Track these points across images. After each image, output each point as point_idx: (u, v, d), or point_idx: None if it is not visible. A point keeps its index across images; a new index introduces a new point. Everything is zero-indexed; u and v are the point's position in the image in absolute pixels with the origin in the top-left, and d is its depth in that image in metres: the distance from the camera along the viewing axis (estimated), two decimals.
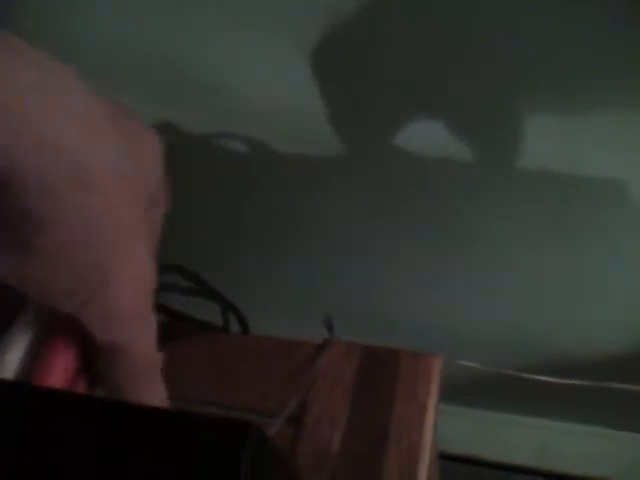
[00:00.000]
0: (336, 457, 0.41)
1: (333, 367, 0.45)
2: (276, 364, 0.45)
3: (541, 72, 0.63)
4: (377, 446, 0.41)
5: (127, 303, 0.26)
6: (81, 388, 0.29)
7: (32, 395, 0.25)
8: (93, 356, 0.28)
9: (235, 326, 0.55)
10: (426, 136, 0.70)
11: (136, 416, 0.23)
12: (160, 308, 0.48)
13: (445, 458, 1.11)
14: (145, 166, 0.26)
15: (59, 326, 0.29)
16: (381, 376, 0.44)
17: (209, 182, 0.82)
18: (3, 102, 0.21)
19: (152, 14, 0.66)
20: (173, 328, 0.48)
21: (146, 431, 0.22)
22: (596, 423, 1.12)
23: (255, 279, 0.91)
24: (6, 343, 0.29)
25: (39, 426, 0.23)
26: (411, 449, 0.41)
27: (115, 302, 0.26)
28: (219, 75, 0.70)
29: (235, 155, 0.77)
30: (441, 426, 1.11)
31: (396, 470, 0.40)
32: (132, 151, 0.26)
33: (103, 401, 0.24)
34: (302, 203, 0.81)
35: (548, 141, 0.69)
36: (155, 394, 0.30)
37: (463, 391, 1.09)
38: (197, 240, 0.86)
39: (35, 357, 0.29)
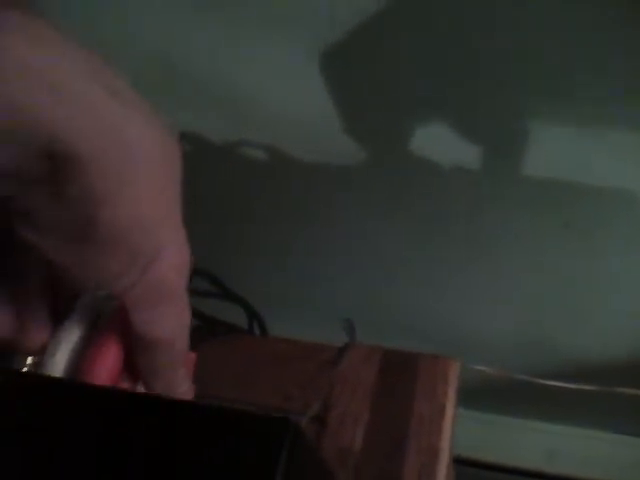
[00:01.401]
0: (358, 455, 0.43)
1: (354, 369, 0.47)
2: (299, 366, 0.47)
3: (548, 77, 0.65)
4: (398, 445, 0.43)
5: (170, 284, 0.28)
6: (125, 386, 0.31)
7: (78, 391, 0.26)
8: (133, 348, 0.30)
9: (254, 328, 0.57)
10: (438, 143, 0.72)
11: (177, 411, 0.24)
12: (194, 313, 0.50)
13: (454, 461, 1.12)
14: (173, 143, 0.28)
15: (105, 325, 0.30)
16: (401, 378, 0.46)
17: (228, 189, 0.84)
18: (62, 82, 0.23)
19: (166, 21, 0.68)
20: (200, 330, 0.50)
21: (186, 425, 0.24)
22: (604, 428, 1.12)
23: (272, 282, 0.92)
24: (56, 342, 0.30)
25: (85, 421, 0.24)
26: (430, 448, 0.42)
27: (160, 283, 0.28)
28: (233, 82, 0.72)
29: (249, 162, 0.79)
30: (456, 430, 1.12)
31: (416, 468, 0.42)
32: (164, 128, 0.27)
33: (145, 397, 0.25)
34: (319, 207, 0.83)
35: (553, 148, 0.70)
36: (185, 382, 0.31)
37: (472, 395, 1.10)
38: (212, 244, 0.88)
39: (82, 356, 0.30)
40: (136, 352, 0.30)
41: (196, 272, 0.54)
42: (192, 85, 0.72)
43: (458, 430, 1.13)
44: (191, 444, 0.23)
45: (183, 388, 0.31)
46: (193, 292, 0.51)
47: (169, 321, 0.29)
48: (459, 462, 1.13)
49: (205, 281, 0.53)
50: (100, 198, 0.24)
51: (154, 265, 0.27)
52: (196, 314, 0.49)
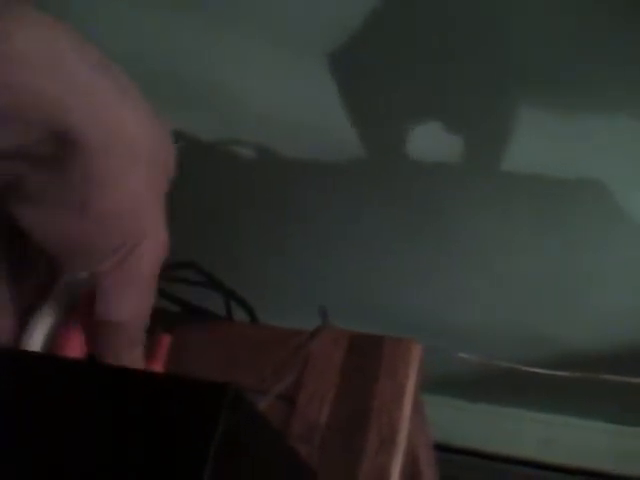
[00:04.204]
0: (324, 430, 0.46)
1: (324, 351, 0.50)
2: (273, 350, 0.51)
3: (535, 72, 0.67)
4: (361, 420, 0.46)
5: (145, 270, 0.30)
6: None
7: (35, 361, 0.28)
8: (94, 327, 0.32)
9: (244, 317, 0.60)
10: (423, 140, 0.74)
11: (125, 378, 0.26)
12: (173, 299, 0.54)
13: (449, 450, 1.14)
14: (168, 139, 0.30)
15: (76, 310, 0.34)
16: (366, 359, 0.49)
17: (218, 185, 0.86)
18: (73, 69, 0.25)
19: (154, 22, 0.70)
20: (183, 317, 0.54)
21: (133, 391, 0.26)
22: (597, 417, 1.14)
23: (262, 275, 0.95)
24: (31, 327, 0.33)
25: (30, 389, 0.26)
26: (391, 422, 0.46)
27: (137, 267, 0.30)
28: (222, 82, 0.74)
29: (241, 159, 0.82)
30: (446, 419, 1.15)
31: (377, 440, 0.45)
32: (160, 123, 0.29)
33: (96, 365, 0.28)
34: (305, 204, 0.86)
35: (538, 144, 0.73)
36: (141, 363, 0.34)
37: (468, 385, 1.13)
38: (206, 238, 0.91)
39: (55, 339, 0.33)
40: (96, 331, 0.32)
41: (183, 263, 0.58)
42: (182, 85, 0.75)
43: (452, 420, 1.15)
44: (137, 408, 0.25)
45: (137, 366, 0.33)
46: (177, 280, 0.54)
47: (134, 303, 0.31)
48: (452, 451, 1.16)
49: (190, 271, 0.56)
50: (98, 183, 0.27)
51: (135, 251, 0.29)
52: (177, 301, 0.53)
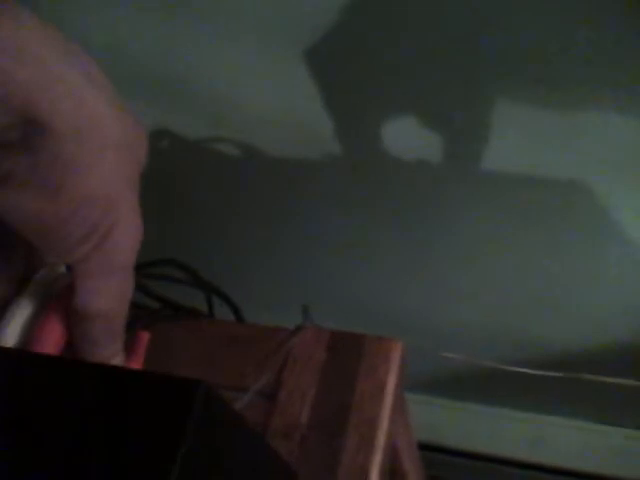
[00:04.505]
0: (304, 427, 0.46)
1: (304, 349, 0.50)
2: (254, 347, 0.51)
3: (522, 68, 0.67)
4: (341, 417, 0.46)
5: (120, 257, 0.30)
6: (73, 355, 0.34)
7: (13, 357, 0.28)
8: (73, 318, 0.32)
9: (230, 317, 0.60)
10: (405, 140, 0.75)
11: (99, 375, 0.26)
12: (154, 296, 0.54)
13: (438, 450, 1.14)
14: (138, 125, 0.30)
15: (53, 302, 0.34)
16: (346, 357, 0.49)
17: (204, 183, 0.87)
18: (39, 54, 0.26)
19: (142, 22, 0.71)
20: (163, 314, 0.54)
21: (107, 388, 0.26)
22: (587, 417, 1.14)
23: (245, 272, 0.95)
24: (8, 317, 0.34)
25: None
26: (371, 420, 0.46)
27: (112, 255, 0.30)
28: (210, 81, 0.75)
29: (229, 158, 0.82)
30: (436, 419, 1.15)
31: (356, 437, 0.45)
32: (128, 111, 0.30)
33: (71, 362, 0.28)
34: (292, 201, 0.86)
35: (527, 142, 0.73)
36: (119, 356, 0.34)
37: (456, 385, 1.13)
38: (192, 237, 0.91)
39: (32, 330, 0.33)
40: (75, 322, 0.32)
41: (166, 260, 0.58)
42: (170, 84, 0.76)
43: (442, 420, 1.15)
44: (105, 404, 0.25)
45: (116, 361, 0.34)
46: (160, 278, 0.54)
47: (112, 292, 0.31)
48: (443, 451, 1.16)
49: (172, 268, 0.56)
50: (69, 168, 0.27)
51: (110, 237, 0.29)
52: (158, 298, 0.53)
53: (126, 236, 0.30)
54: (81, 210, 0.28)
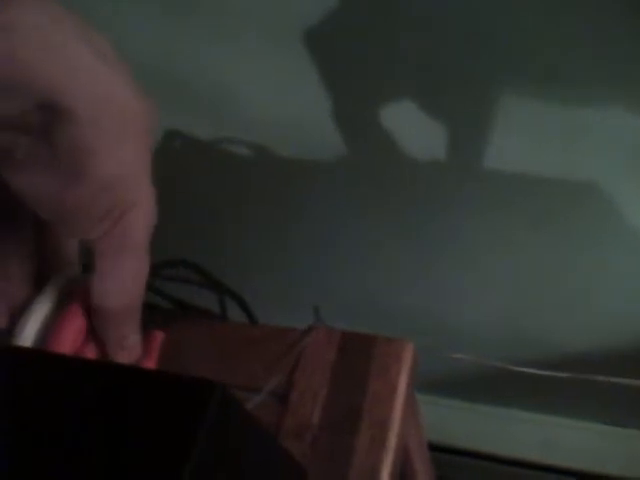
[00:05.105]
0: (316, 428, 0.47)
1: (316, 350, 0.51)
2: (266, 348, 0.51)
3: (527, 65, 0.67)
4: (352, 418, 0.47)
5: (135, 236, 0.31)
6: (90, 353, 0.35)
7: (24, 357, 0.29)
8: (91, 300, 0.33)
9: (242, 317, 0.60)
10: (415, 140, 0.75)
11: (115, 375, 0.27)
12: (166, 296, 0.54)
13: (447, 451, 1.14)
14: (153, 109, 0.31)
15: (71, 300, 0.34)
16: (358, 358, 0.49)
17: (213, 184, 0.87)
18: (59, 41, 0.27)
19: (151, 23, 0.71)
20: (176, 314, 0.54)
21: (122, 388, 0.26)
22: (598, 419, 1.14)
23: (256, 273, 0.95)
24: (25, 318, 0.34)
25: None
26: (382, 422, 0.46)
27: (128, 233, 0.31)
28: (223, 84, 0.75)
29: (237, 158, 0.82)
30: (445, 420, 1.15)
31: (368, 438, 0.46)
32: (144, 95, 0.30)
33: (86, 361, 0.28)
34: (301, 201, 0.86)
35: (532, 141, 0.73)
36: (135, 335, 0.35)
37: (465, 386, 1.13)
38: (201, 237, 0.91)
39: (49, 330, 0.34)
40: (95, 317, 0.33)
41: (180, 262, 0.58)
42: (174, 85, 0.76)
43: (452, 421, 1.15)
44: (121, 405, 0.26)
45: (133, 340, 0.35)
46: (173, 279, 0.55)
47: (128, 271, 0.32)
48: (452, 452, 1.16)
49: (185, 269, 0.57)
50: (90, 151, 0.28)
51: (126, 217, 0.30)
52: (171, 299, 0.53)
53: (142, 217, 0.31)
54: (101, 192, 0.29)
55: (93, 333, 0.34)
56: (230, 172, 0.85)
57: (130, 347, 0.35)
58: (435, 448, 1.08)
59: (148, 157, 0.31)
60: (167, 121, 0.81)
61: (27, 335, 0.33)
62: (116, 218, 0.30)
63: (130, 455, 0.24)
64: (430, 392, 1.14)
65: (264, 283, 0.94)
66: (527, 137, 0.73)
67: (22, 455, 0.25)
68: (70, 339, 0.33)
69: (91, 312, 0.34)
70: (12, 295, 0.33)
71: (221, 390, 0.26)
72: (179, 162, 0.84)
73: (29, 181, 0.29)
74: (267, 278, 0.97)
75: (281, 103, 0.76)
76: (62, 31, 0.27)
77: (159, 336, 0.40)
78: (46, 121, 0.27)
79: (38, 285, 0.35)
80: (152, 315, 0.51)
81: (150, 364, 0.38)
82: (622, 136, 0.70)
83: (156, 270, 0.52)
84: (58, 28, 0.27)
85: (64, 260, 0.36)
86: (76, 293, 0.35)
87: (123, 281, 0.32)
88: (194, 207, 0.90)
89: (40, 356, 0.29)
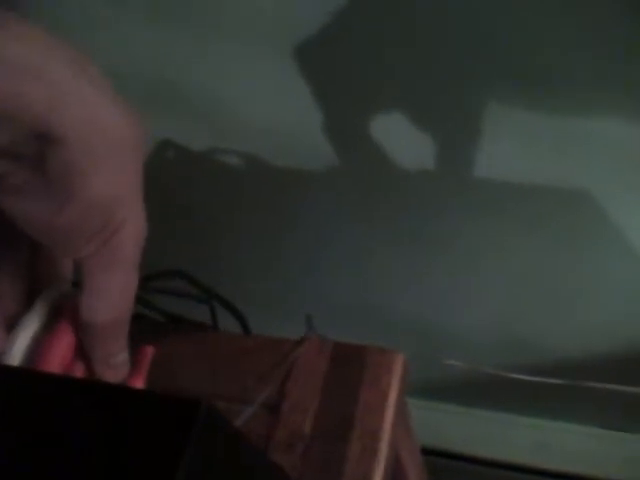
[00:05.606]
0: (307, 438, 0.47)
1: (308, 360, 0.51)
2: (258, 358, 0.51)
3: (524, 73, 0.67)
4: (344, 427, 0.47)
5: (126, 252, 0.32)
6: (78, 371, 0.35)
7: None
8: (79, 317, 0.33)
9: (236, 327, 0.60)
10: (407, 148, 0.75)
11: (98, 394, 0.27)
12: (157, 310, 0.54)
13: (444, 456, 1.14)
14: (140, 125, 0.31)
15: (60, 317, 0.34)
16: (349, 368, 0.50)
17: (205, 193, 0.87)
18: (47, 69, 0.27)
19: (149, 35, 0.72)
20: (167, 327, 0.54)
21: (98, 407, 0.26)
22: (592, 423, 1.14)
23: (249, 283, 0.96)
24: (14, 336, 0.34)
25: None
26: (373, 431, 0.47)
27: (118, 250, 0.31)
28: (216, 94, 0.76)
29: (230, 168, 0.83)
30: (440, 424, 1.15)
31: (359, 448, 0.46)
32: (131, 111, 0.31)
33: (69, 380, 0.28)
34: (295, 210, 0.87)
35: (527, 148, 0.73)
36: (123, 353, 0.35)
37: (462, 391, 1.13)
38: (193, 247, 0.92)
39: (38, 348, 0.34)
40: (83, 322, 0.33)
41: (172, 272, 0.58)
42: (169, 94, 0.76)
43: (447, 425, 1.15)
44: (104, 425, 0.26)
45: (121, 358, 0.35)
46: (165, 291, 0.55)
47: (116, 286, 0.32)
48: (447, 456, 1.16)
49: (179, 280, 0.57)
50: (79, 172, 0.28)
51: (117, 234, 0.31)
52: (161, 312, 0.54)
53: (131, 234, 0.31)
54: (91, 212, 0.30)
55: (82, 350, 0.34)
56: (224, 181, 0.86)
57: (118, 365, 0.35)
58: (430, 452, 1.09)
59: (138, 174, 0.31)
60: (161, 131, 0.81)
61: (16, 352, 0.34)
62: (107, 237, 0.31)
63: (116, 475, 0.25)
64: (425, 397, 1.14)
65: (257, 291, 0.94)
66: (518, 144, 0.73)
67: (8, 475, 0.25)
68: (59, 356, 0.34)
69: (79, 329, 0.34)
70: (2, 314, 0.34)
71: (206, 408, 0.26)
72: (173, 172, 0.84)
73: (20, 205, 0.29)
74: (261, 286, 0.97)
75: (274, 113, 0.76)
76: (47, 58, 0.27)
77: (149, 351, 0.40)
78: (37, 148, 0.28)
79: (30, 302, 0.35)
80: (142, 326, 0.52)
81: (140, 380, 0.38)
82: (615, 143, 0.70)
83: (149, 281, 0.52)
84: (45, 58, 0.27)
85: (58, 277, 0.36)
86: (66, 309, 0.35)
87: (111, 296, 0.32)
88: (187, 216, 0.90)
89: (24, 375, 0.29)
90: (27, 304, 0.35)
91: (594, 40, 0.63)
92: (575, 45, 0.64)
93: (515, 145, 0.73)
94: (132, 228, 0.31)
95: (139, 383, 0.37)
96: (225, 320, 0.60)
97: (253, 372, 0.51)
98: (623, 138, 0.70)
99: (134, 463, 0.25)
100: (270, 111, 0.76)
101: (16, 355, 0.33)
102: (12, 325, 0.34)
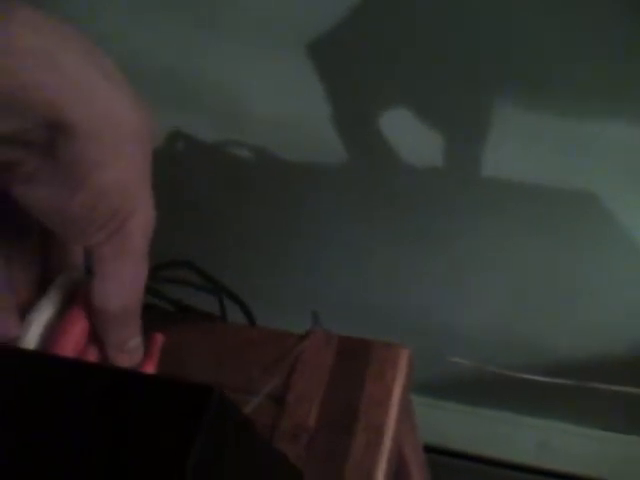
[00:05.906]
0: (312, 430, 0.47)
1: (314, 354, 0.51)
2: (264, 350, 0.52)
3: (527, 75, 0.67)
4: (348, 421, 0.47)
5: (135, 241, 0.32)
6: (91, 356, 0.35)
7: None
8: (91, 304, 0.34)
9: (241, 320, 0.61)
10: (415, 146, 0.75)
11: (112, 379, 0.27)
12: (166, 299, 0.55)
13: (446, 454, 1.15)
14: (150, 117, 0.32)
15: (73, 302, 0.35)
16: (354, 362, 0.50)
17: (214, 186, 0.88)
18: (59, 58, 0.27)
19: (159, 27, 0.72)
20: (176, 316, 0.55)
21: (119, 392, 0.27)
22: (595, 425, 1.14)
23: (256, 277, 0.96)
24: (28, 322, 0.35)
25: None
26: (378, 425, 0.47)
27: (128, 238, 0.32)
28: (223, 86, 0.76)
29: (238, 161, 0.83)
30: (443, 422, 1.15)
31: (363, 440, 0.46)
32: (142, 103, 0.31)
33: (84, 364, 0.28)
34: (303, 205, 0.87)
35: (532, 150, 0.73)
36: (136, 338, 0.35)
37: (465, 389, 1.13)
38: (202, 240, 0.92)
39: (52, 334, 0.34)
40: (96, 320, 0.34)
41: (181, 263, 0.59)
42: (180, 87, 0.77)
43: (450, 423, 1.16)
44: (117, 410, 0.26)
45: (134, 343, 0.35)
46: (174, 280, 0.55)
47: (127, 274, 0.33)
48: (449, 454, 1.16)
49: (188, 271, 0.57)
50: (90, 164, 0.29)
51: (127, 223, 0.31)
52: (170, 301, 0.54)
53: (140, 223, 0.32)
54: (102, 202, 0.30)
55: (95, 335, 0.35)
56: (232, 174, 0.86)
57: (131, 350, 0.35)
58: (432, 450, 1.09)
59: (147, 165, 0.32)
60: (170, 123, 0.81)
61: (30, 337, 0.34)
62: (117, 225, 0.31)
63: (128, 459, 0.25)
64: (428, 395, 1.15)
65: (264, 286, 0.95)
66: (519, 144, 0.73)
67: (22, 457, 0.26)
68: (73, 341, 0.34)
69: (92, 315, 0.34)
70: (16, 301, 0.34)
71: (218, 394, 0.27)
72: (182, 164, 0.85)
73: (32, 193, 0.30)
74: (267, 281, 0.97)
75: (283, 107, 0.76)
76: (62, 49, 0.28)
77: (159, 339, 0.41)
78: (49, 137, 0.28)
79: (43, 290, 0.36)
80: (151, 316, 0.52)
81: (150, 367, 0.39)
82: (615, 143, 0.70)
83: (158, 271, 0.53)
84: (57, 47, 0.27)
85: (70, 265, 0.37)
86: (79, 295, 0.35)
87: (122, 283, 0.33)
88: (195, 209, 0.90)
89: (39, 358, 0.30)
90: (40, 292, 0.36)
91: (594, 40, 0.63)
92: (575, 45, 0.64)
93: (516, 146, 0.74)
94: (141, 218, 0.32)
95: (150, 369, 0.38)
96: (231, 312, 0.60)
97: (258, 363, 0.51)
98: (624, 138, 0.70)
99: (146, 448, 0.25)
100: (279, 105, 0.76)
101: (31, 341, 0.34)
102: (25, 312, 0.35)
